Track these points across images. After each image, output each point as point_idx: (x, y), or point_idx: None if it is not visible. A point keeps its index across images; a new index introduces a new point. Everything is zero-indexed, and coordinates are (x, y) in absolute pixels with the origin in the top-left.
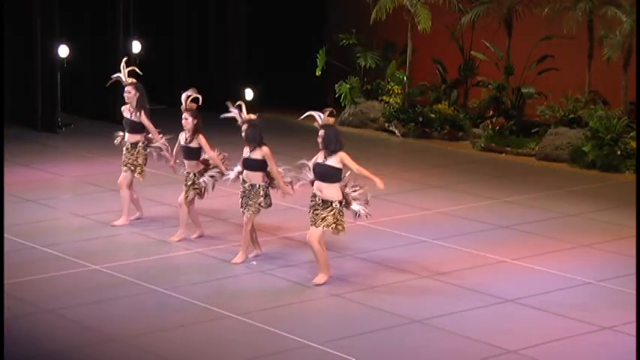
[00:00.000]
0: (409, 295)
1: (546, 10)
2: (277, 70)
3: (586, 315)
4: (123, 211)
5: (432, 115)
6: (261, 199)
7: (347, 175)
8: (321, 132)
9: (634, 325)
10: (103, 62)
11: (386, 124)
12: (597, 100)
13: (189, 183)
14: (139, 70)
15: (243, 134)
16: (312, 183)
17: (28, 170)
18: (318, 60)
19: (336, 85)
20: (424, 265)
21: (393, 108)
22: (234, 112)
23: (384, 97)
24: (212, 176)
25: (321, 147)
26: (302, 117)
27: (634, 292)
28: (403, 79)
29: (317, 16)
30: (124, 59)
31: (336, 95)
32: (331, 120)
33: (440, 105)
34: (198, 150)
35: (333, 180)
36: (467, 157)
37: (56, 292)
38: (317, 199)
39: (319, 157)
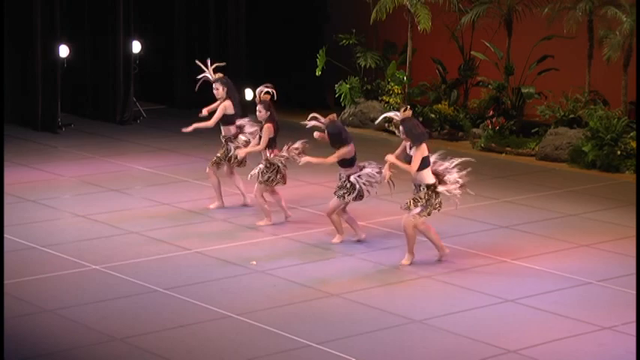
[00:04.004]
0: (409, 295)
1: (546, 10)
2: (277, 70)
3: (586, 315)
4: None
5: (432, 115)
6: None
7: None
8: (401, 127)
9: (634, 325)
10: (103, 62)
11: (386, 124)
12: (597, 100)
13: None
14: (139, 70)
15: (328, 137)
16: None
17: (28, 170)
18: (318, 60)
19: (336, 85)
20: (424, 265)
21: (393, 108)
22: (315, 123)
23: (384, 97)
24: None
25: (403, 139)
26: (378, 120)
27: (634, 292)
28: (403, 79)
29: (317, 16)
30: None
31: (336, 95)
32: (409, 113)
33: (440, 105)
34: (272, 140)
35: (420, 168)
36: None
37: (56, 292)
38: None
39: (406, 149)
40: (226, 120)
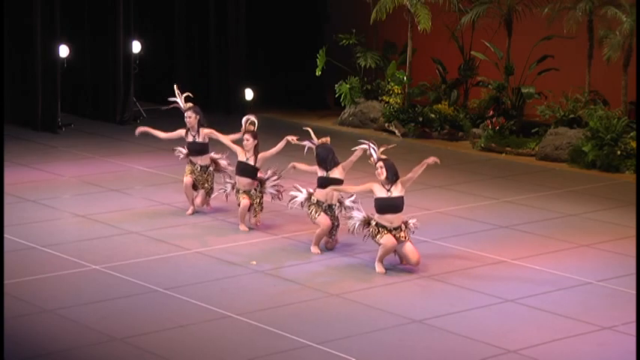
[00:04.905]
0: (409, 295)
1: (546, 10)
2: (277, 70)
3: (586, 315)
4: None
5: (432, 115)
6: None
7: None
8: (380, 164)
9: (634, 325)
10: (103, 62)
11: (386, 124)
12: (597, 100)
13: (256, 200)
14: (139, 70)
15: (316, 157)
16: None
17: (28, 170)
18: (318, 60)
19: (336, 85)
20: (424, 265)
21: (393, 108)
22: (307, 142)
23: (384, 97)
24: (277, 190)
25: (381, 178)
26: (355, 148)
27: (634, 292)
28: (403, 79)
29: (317, 16)
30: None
31: (336, 95)
32: (384, 156)
33: (440, 105)
34: (256, 169)
35: (403, 208)
36: (467, 157)
37: (56, 292)
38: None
39: (381, 192)
40: (205, 149)
